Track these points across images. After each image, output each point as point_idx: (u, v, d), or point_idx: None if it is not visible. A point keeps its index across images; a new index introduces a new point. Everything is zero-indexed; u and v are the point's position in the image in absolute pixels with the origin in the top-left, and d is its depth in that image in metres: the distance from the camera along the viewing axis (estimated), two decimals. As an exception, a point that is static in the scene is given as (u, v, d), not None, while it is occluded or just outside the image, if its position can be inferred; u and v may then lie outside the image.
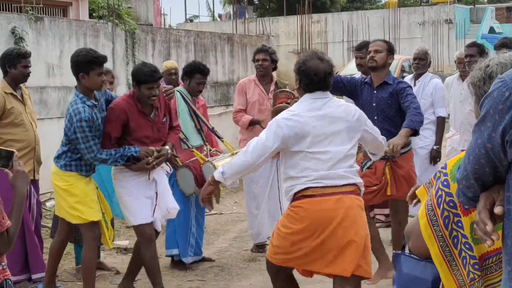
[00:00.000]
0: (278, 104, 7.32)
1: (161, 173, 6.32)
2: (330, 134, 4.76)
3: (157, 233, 6.32)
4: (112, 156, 5.85)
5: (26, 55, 6.63)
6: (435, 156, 8.61)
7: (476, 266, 2.71)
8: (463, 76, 8.82)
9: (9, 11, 13.22)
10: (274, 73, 8.38)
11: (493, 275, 2.73)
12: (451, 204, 2.75)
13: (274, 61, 8.07)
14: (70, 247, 7.79)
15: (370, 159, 5.97)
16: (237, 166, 4.84)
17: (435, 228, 2.78)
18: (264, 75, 8.02)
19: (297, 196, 4.73)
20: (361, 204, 4.82)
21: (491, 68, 2.60)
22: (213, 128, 7.62)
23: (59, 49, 10.98)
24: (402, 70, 20.40)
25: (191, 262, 7.45)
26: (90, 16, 15.95)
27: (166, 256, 7.49)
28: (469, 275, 2.74)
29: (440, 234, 2.77)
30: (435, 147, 8.59)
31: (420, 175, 8.66)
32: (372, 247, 5.07)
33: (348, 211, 4.66)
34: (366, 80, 6.69)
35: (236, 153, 7.40)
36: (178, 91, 7.30)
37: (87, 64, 5.74)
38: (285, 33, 33.26)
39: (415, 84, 8.56)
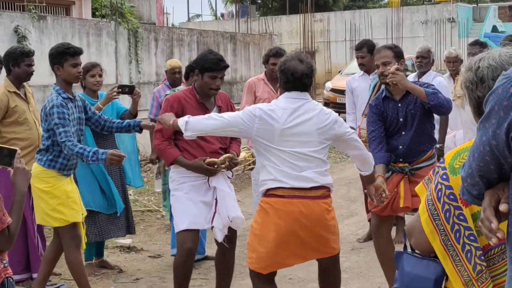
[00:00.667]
0: None
1: (221, 179, 5.79)
2: (300, 135, 4.90)
3: (217, 243, 5.98)
4: (84, 153, 5.63)
5: (29, 54, 6.63)
6: (438, 155, 8.59)
7: (482, 257, 2.68)
8: (453, 75, 8.83)
9: (12, 9, 13.22)
10: None
11: (496, 266, 2.71)
12: (451, 197, 2.72)
13: None
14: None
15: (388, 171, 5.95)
16: (204, 125, 4.96)
17: (436, 222, 2.76)
18: (277, 78, 8.10)
19: (269, 193, 4.93)
20: (328, 206, 5.01)
21: (482, 72, 2.57)
22: None
23: (62, 48, 11.00)
24: (405, 69, 20.36)
25: (194, 261, 7.45)
26: (93, 15, 15.96)
27: (172, 255, 7.46)
28: (475, 268, 2.71)
29: (442, 228, 2.74)
30: (438, 146, 8.57)
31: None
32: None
33: (312, 215, 4.89)
34: (385, 95, 6.05)
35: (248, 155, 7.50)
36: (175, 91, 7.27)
37: (60, 56, 5.74)
38: (288, 32, 33.28)
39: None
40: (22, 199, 3.43)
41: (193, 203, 5.66)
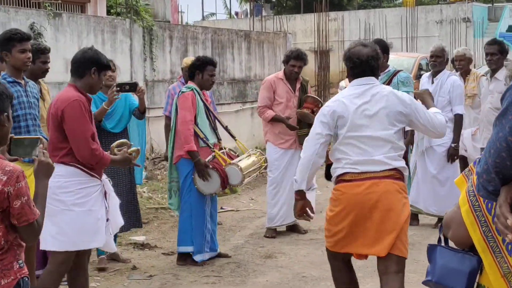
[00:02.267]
0: (305, 108, 8.22)
1: (109, 184, 5.52)
2: (369, 119, 4.88)
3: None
4: None
5: (45, 51, 6.63)
6: (452, 154, 8.57)
7: None
8: (463, 74, 8.80)
9: (27, 7, 13.28)
10: None
11: None
12: None
13: (305, 65, 8.56)
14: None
15: None
16: (301, 166, 5.03)
17: (477, 213, 2.71)
18: (295, 78, 8.53)
19: (338, 179, 4.93)
20: (399, 187, 4.89)
21: None
22: (226, 126, 7.80)
23: (77, 45, 11.03)
24: (420, 68, 20.31)
25: (207, 258, 7.45)
26: (108, 12, 16.00)
27: (179, 252, 7.46)
28: None
29: (483, 219, 2.69)
30: (452, 145, 8.56)
31: (437, 173, 8.65)
32: None
33: (383, 195, 4.82)
34: None
35: (252, 154, 7.52)
36: (193, 88, 7.27)
37: (7, 42, 5.72)
38: (302, 31, 33.22)
39: (432, 82, 8.53)
40: (45, 192, 3.42)
41: (97, 220, 5.30)
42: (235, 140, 7.81)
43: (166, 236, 8.59)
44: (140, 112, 7.33)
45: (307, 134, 7.95)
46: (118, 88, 6.82)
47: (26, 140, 3.40)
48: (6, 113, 3.28)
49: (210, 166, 7.13)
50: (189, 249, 7.34)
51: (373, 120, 4.88)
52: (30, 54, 5.89)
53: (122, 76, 11.99)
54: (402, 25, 31.20)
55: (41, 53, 6.56)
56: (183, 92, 7.24)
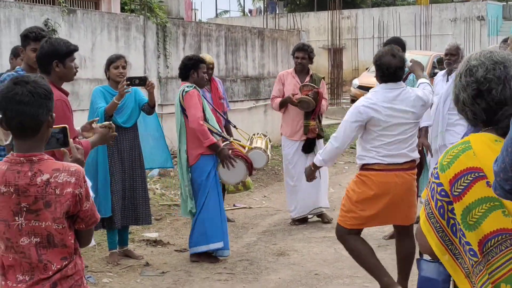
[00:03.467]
0: (303, 95, 8.74)
1: None
2: (398, 123, 5.74)
3: None
4: None
5: None
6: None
7: (472, 252, 2.68)
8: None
9: (42, 3, 13.31)
10: (310, 66, 9.31)
11: (494, 259, 2.68)
12: (443, 193, 2.73)
13: (311, 58, 9.06)
14: (100, 238, 7.85)
15: None
16: (333, 151, 5.89)
17: (432, 220, 2.78)
18: (302, 70, 9.04)
19: (366, 167, 5.80)
20: (414, 175, 5.96)
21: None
22: (226, 118, 8.47)
23: (91, 42, 11.05)
24: (434, 67, 20.24)
25: (219, 255, 7.45)
26: (122, 9, 16.02)
27: (192, 254, 7.42)
28: (470, 261, 2.71)
29: (438, 225, 2.76)
30: None
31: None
32: None
33: (408, 182, 5.86)
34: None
35: (257, 137, 7.80)
36: (195, 86, 7.28)
37: (24, 38, 5.71)
38: (315, 29, 33.21)
39: (447, 80, 8.48)
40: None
41: None
42: (236, 129, 8.37)
43: (179, 233, 8.59)
44: (150, 107, 7.33)
45: (306, 125, 8.51)
46: (128, 82, 6.84)
47: (57, 129, 3.21)
48: (52, 113, 3.09)
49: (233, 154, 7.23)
50: (203, 248, 7.33)
51: (401, 121, 5.74)
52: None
53: (136, 73, 12.00)
54: (416, 23, 31.13)
55: None
56: (186, 91, 7.21)
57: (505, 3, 36.97)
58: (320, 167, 6.14)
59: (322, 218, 9.22)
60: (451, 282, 2.95)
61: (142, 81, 6.95)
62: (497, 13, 33.68)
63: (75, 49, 4.98)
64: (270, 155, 7.92)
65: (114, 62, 7.20)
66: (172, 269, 7.18)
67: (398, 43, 8.10)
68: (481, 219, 2.64)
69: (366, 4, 41.46)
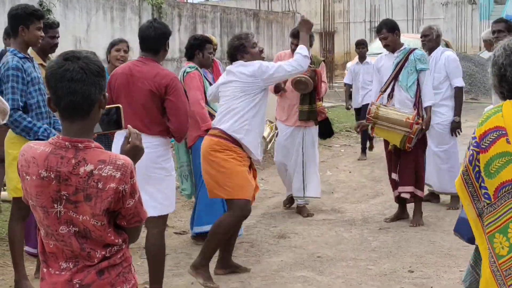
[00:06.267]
0: (298, 76, 8.18)
1: None
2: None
3: None
4: (32, 128, 5.51)
5: (53, 25, 6.55)
6: (455, 127, 8.61)
7: (486, 196, 3.22)
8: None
9: (35, -16, 13.16)
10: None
11: (500, 207, 3.18)
12: (475, 144, 3.25)
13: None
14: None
15: None
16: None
17: (463, 165, 3.34)
18: None
19: None
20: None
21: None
22: None
23: (86, 23, 10.92)
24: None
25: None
26: (115, -10, 15.88)
27: (194, 234, 7.37)
28: (483, 203, 3.25)
29: (465, 170, 3.31)
30: (455, 119, 8.55)
31: (438, 150, 8.67)
32: None
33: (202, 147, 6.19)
34: None
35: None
36: (197, 68, 7.19)
37: (27, 17, 5.61)
38: (307, 12, 33.00)
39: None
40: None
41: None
42: None
43: (177, 215, 8.51)
44: None
45: (308, 110, 8.18)
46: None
47: (112, 109, 2.98)
48: (105, 93, 2.85)
49: None
50: (207, 228, 7.25)
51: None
52: (43, 33, 5.86)
53: (132, 55, 11.88)
54: (408, 7, 31.06)
55: (50, 27, 6.46)
56: (188, 72, 7.13)
57: (496, -12, 36.93)
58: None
59: (301, 212, 8.68)
60: None
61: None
62: (489, -3, 33.60)
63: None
64: (269, 143, 7.80)
65: (117, 45, 7.28)
66: (172, 251, 7.11)
67: (390, 24, 8.09)
68: (500, 169, 3.15)
69: (357, -12, 41.30)
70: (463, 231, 3.84)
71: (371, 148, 12.69)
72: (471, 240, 3.72)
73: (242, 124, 6.02)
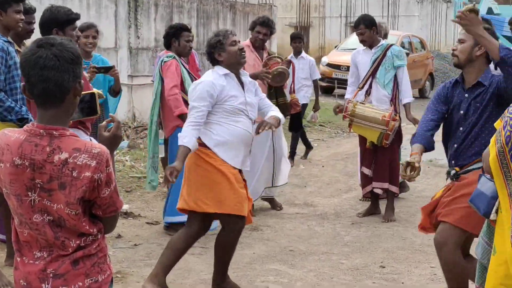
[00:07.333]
0: (273, 68, 7.85)
1: None
2: None
3: None
4: (15, 108, 5.51)
5: (30, 11, 6.47)
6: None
7: None
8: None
9: (9, -32, 13.01)
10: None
11: None
12: None
13: (271, 35, 8.33)
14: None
15: None
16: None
17: (498, 145, 3.44)
18: (259, 46, 8.20)
19: None
20: None
21: None
22: None
23: (62, 9, 10.81)
24: (402, 47, 20.27)
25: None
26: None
27: (170, 222, 7.33)
28: None
29: (502, 150, 3.40)
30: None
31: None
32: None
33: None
34: (456, 79, 5.04)
35: None
36: (174, 56, 7.15)
37: (4, 1, 5.58)
38: (283, 6, 32.92)
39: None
40: None
41: None
42: None
43: (150, 205, 8.47)
44: (115, 92, 7.37)
45: (283, 103, 7.96)
46: (96, 70, 6.87)
47: (86, 96, 2.95)
48: (80, 80, 2.79)
49: None
50: (180, 218, 7.22)
51: None
52: (23, 16, 5.77)
53: (106, 43, 11.79)
54: (384, 4, 31.14)
55: (26, 13, 6.39)
56: (165, 61, 7.11)
57: (471, -13, 37.17)
58: None
59: (273, 205, 8.56)
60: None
61: (106, 70, 7.03)
62: (464, -4, 33.83)
63: (76, 17, 5.00)
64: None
65: (85, 31, 7.16)
66: (145, 241, 7.08)
67: (368, 20, 8.05)
68: None
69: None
70: (479, 204, 3.84)
71: (305, 155, 12.21)
72: (487, 214, 3.80)
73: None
